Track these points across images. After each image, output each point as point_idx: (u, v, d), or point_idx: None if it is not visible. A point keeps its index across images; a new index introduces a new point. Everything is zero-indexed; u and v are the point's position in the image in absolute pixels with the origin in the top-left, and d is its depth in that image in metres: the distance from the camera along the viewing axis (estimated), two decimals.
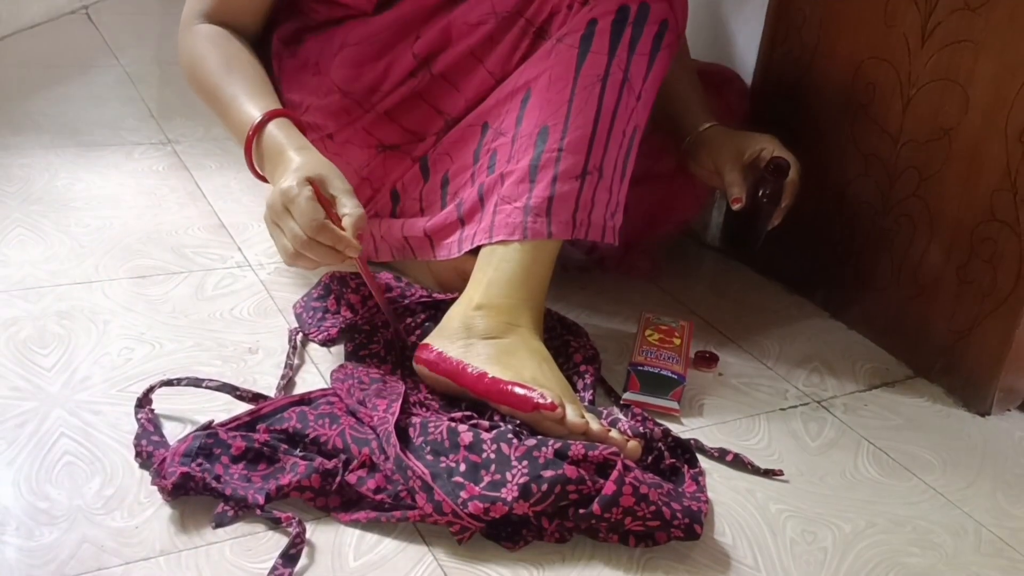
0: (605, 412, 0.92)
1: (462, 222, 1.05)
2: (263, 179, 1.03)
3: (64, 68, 1.91)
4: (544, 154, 0.98)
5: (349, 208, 0.92)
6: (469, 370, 0.92)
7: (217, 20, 1.11)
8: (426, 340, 0.97)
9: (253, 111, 1.02)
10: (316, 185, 0.92)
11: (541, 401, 0.86)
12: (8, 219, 1.26)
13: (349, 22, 1.12)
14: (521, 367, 0.92)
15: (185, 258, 1.21)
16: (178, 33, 1.12)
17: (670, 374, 1.00)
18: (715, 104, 1.21)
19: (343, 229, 0.91)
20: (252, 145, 1.01)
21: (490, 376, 0.90)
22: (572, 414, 0.87)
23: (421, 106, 1.11)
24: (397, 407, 0.86)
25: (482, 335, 0.95)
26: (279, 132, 1.00)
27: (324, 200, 0.92)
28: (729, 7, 1.35)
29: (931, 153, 1.08)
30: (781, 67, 1.25)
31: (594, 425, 0.86)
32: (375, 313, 1.07)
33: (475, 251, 1.03)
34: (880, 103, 1.13)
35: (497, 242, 0.99)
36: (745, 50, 1.31)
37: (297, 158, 0.96)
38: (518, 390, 0.88)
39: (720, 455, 0.93)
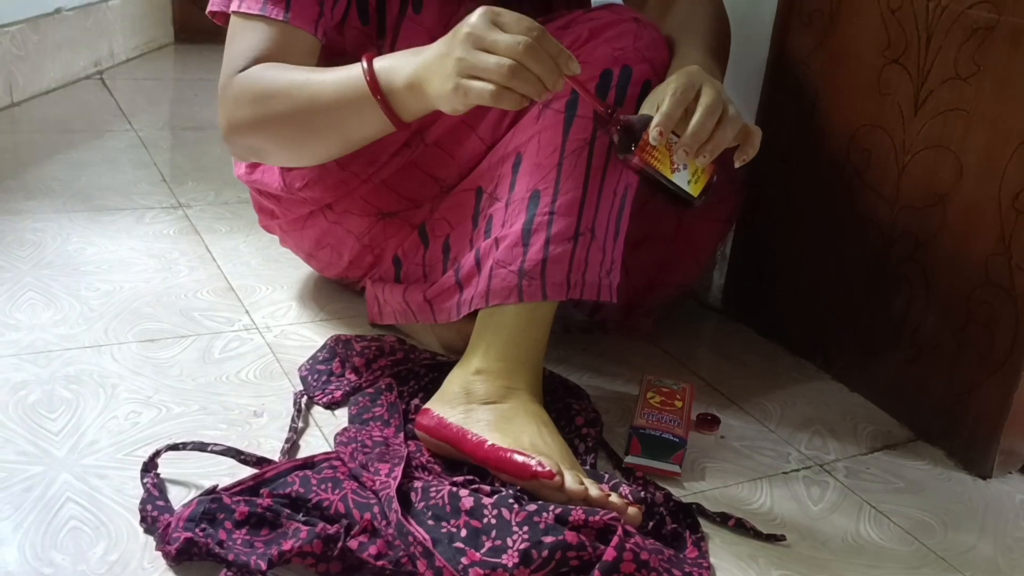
0: (607, 476, 0.93)
1: (460, 286, 1.07)
2: (403, 125, 0.98)
3: (78, 133, 1.96)
4: (536, 218, 1.00)
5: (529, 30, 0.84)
6: (469, 437, 0.93)
7: None
8: (426, 405, 0.98)
9: (351, 67, 0.96)
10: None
11: (539, 469, 0.87)
12: (20, 283, 1.28)
13: None
14: (520, 433, 0.93)
15: (193, 321, 1.23)
16: (219, 97, 1.06)
17: (672, 437, 1.01)
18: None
19: None
20: (378, 87, 0.95)
21: (489, 443, 0.91)
22: (571, 481, 0.87)
23: (416, 174, 1.13)
24: (399, 471, 0.87)
25: (481, 400, 0.96)
26: (391, 58, 0.95)
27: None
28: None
29: (926, 218, 1.09)
30: (777, 131, 1.28)
31: (593, 491, 0.87)
32: (379, 376, 1.08)
33: (474, 314, 1.05)
34: (875, 169, 1.15)
35: (493, 306, 1.00)
36: (742, 114, 1.33)
37: (444, 36, 0.89)
38: (517, 457, 0.89)
39: (722, 520, 0.93)
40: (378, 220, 1.18)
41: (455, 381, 0.99)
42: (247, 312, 1.27)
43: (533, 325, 1.01)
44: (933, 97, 1.07)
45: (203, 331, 1.21)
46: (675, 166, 0.90)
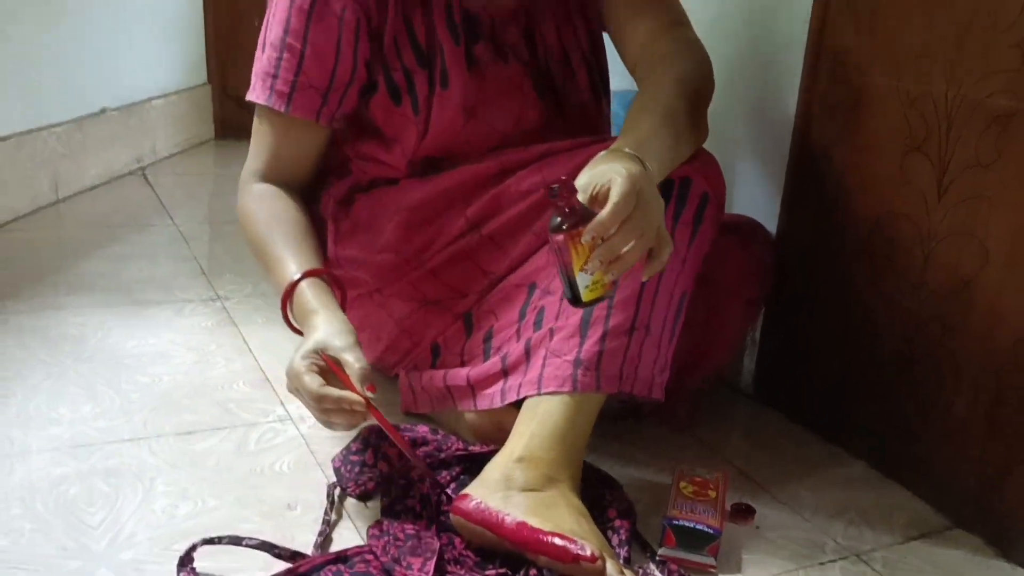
0: (641, 572, 0.92)
1: (505, 373, 1.09)
2: (299, 332, 1.08)
3: (120, 228, 2.02)
4: (595, 312, 1.03)
5: (350, 363, 0.98)
6: (507, 520, 0.93)
7: (270, 178, 1.20)
8: (465, 491, 0.99)
9: (291, 269, 1.09)
10: (323, 353, 0.99)
11: (581, 552, 0.87)
12: (63, 378, 1.32)
13: (403, 183, 1.19)
14: (560, 519, 0.94)
15: (230, 413, 1.25)
16: (237, 194, 1.21)
17: (706, 528, 1.00)
18: (742, 254, 1.25)
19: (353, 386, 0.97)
20: (287, 303, 1.09)
21: (529, 526, 0.92)
22: (612, 568, 0.88)
23: (467, 265, 1.17)
24: (431, 566, 0.87)
25: (521, 487, 0.97)
26: (309, 293, 1.07)
27: (332, 363, 0.99)
28: (749, 163, 1.41)
29: (953, 304, 1.10)
30: (804, 220, 1.30)
31: None
32: (411, 467, 1.09)
33: (515, 404, 1.06)
34: (901, 256, 1.16)
35: (544, 394, 1.02)
36: (767, 203, 1.36)
37: (317, 323, 1.03)
38: (557, 540, 0.89)
39: None
40: (420, 306, 1.21)
41: (496, 468, 1.00)
42: (282, 403, 1.29)
43: (580, 417, 1.02)
44: (956, 185, 1.08)
45: (239, 423, 1.23)
46: (585, 267, 0.91)
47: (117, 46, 2.38)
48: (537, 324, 1.08)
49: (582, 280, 0.91)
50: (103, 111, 2.32)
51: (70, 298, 1.60)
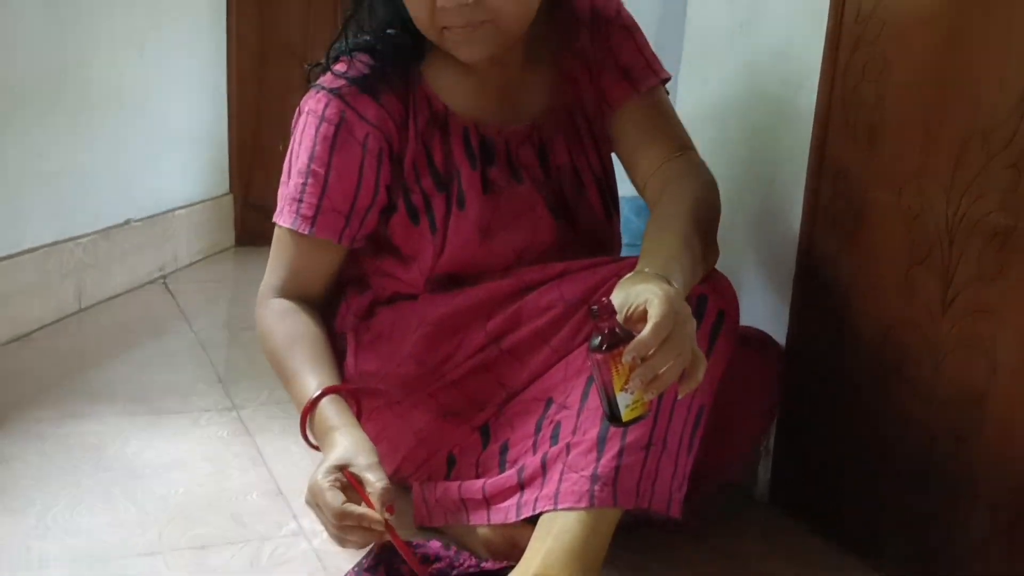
0: None
1: (522, 487, 1.09)
2: (317, 449, 1.10)
3: (141, 335, 2.05)
4: (611, 428, 1.04)
5: (372, 483, 1.01)
6: None
7: (289, 293, 1.24)
8: None
9: (311, 385, 1.12)
10: (345, 469, 1.02)
11: None
12: (79, 487, 1.33)
13: (424, 298, 1.23)
14: None
15: (243, 526, 1.25)
16: (256, 307, 1.25)
17: None
18: (753, 365, 1.26)
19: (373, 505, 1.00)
20: (307, 420, 1.12)
21: None
22: None
23: (486, 378, 1.19)
24: None
25: None
26: (329, 409, 1.10)
27: (353, 481, 1.01)
28: (755, 276, 1.43)
29: (966, 416, 1.10)
30: (812, 330, 1.31)
31: None
32: None
33: (529, 520, 1.07)
34: (911, 366, 1.17)
35: (561, 509, 1.03)
36: (776, 315, 1.38)
37: (337, 440, 1.06)
38: None
39: None
40: (439, 418, 1.22)
41: None
42: (295, 516, 1.29)
43: (596, 533, 1.02)
44: (961, 298, 1.10)
45: (252, 536, 1.23)
46: (627, 387, 0.93)
47: (145, 158, 2.46)
48: (554, 438, 1.09)
49: (623, 400, 0.93)
50: (128, 222, 2.38)
51: (91, 406, 1.63)
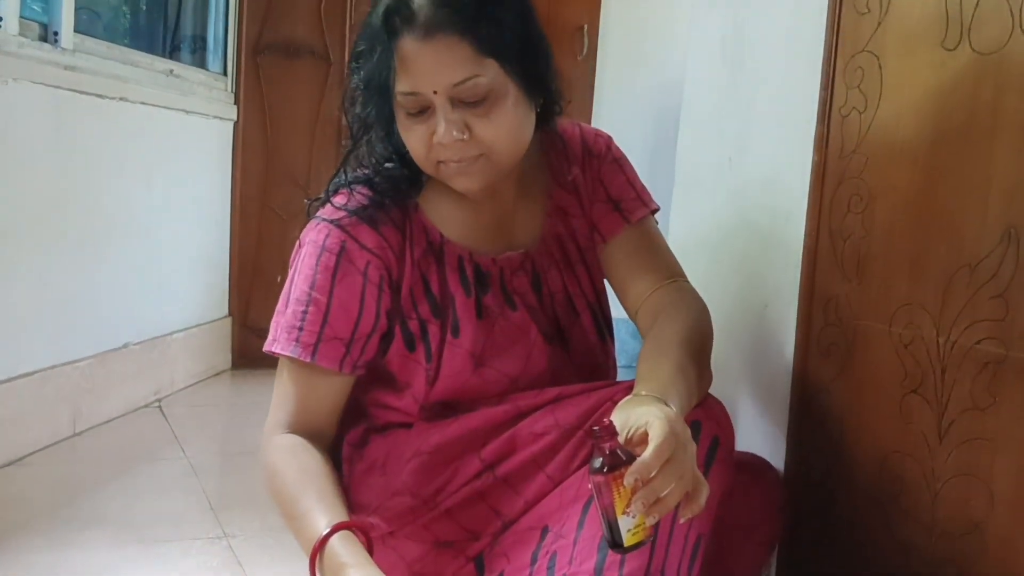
0: None
1: None
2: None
3: (133, 461, 2.04)
4: (608, 559, 1.02)
5: None
6: None
7: (296, 429, 1.20)
8: None
9: (320, 523, 1.08)
10: None
11: None
12: None
13: (418, 426, 1.22)
14: None
15: None
16: (260, 446, 1.21)
17: None
18: (752, 494, 1.25)
19: None
20: (316, 559, 1.06)
21: None
22: None
23: (480, 506, 1.17)
24: None
25: None
26: (341, 548, 1.05)
27: None
28: (750, 402, 1.44)
29: (966, 546, 1.09)
30: (810, 458, 1.31)
31: None
32: None
33: None
34: (909, 495, 1.16)
35: None
36: (772, 442, 1.37)
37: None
38: None
39: None
40: (433, 549, 1.20)
41: None
42: None
43: None
44: (955, 426, 1.10)
45: None
46: (628, 510, 0.92)
47: (147, 283, 2.49)
48: (550, 570, 1.07)
49: (624, 523, 0.92)
50: (126, 346, 2.39)
51: (81, 535, 1.60)
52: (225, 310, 2.97)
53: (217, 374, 2.89)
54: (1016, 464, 1.03)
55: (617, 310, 1.38)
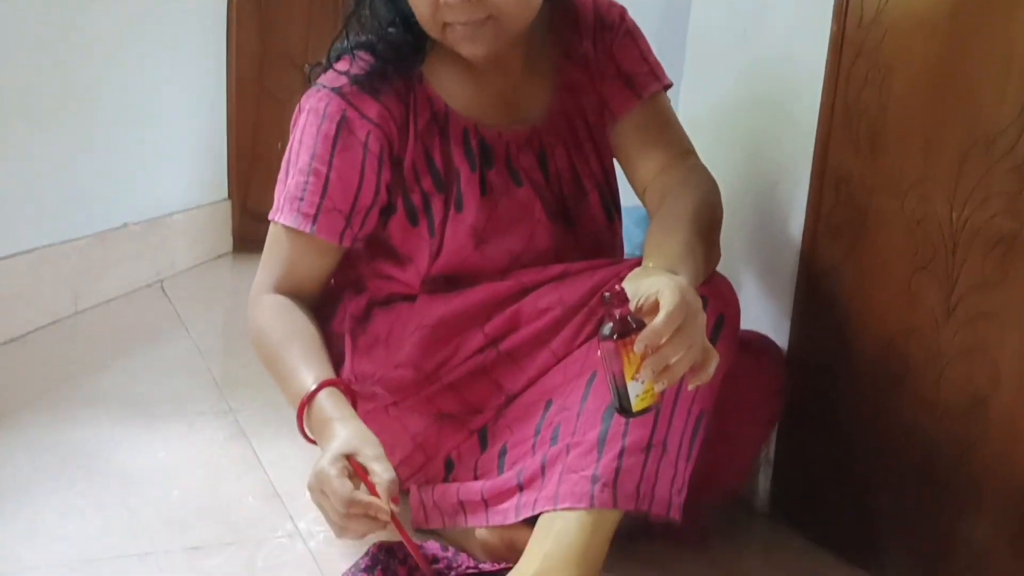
0: None
1: (521, 488, 1.08)
2: (314, 443, 1.10)
3: (136, 341, 2.04)
4: (611, 428, 1.03)
5: (379, 474, 1.00)
6: None
7: (283, 291, 1.22)
8: None
9: (307, 380, 1.11)
10: (351, 458, 1.01)
11: None
12: (71, 491, 1.31)
13: (422, 299, 1.21)
14: None
15: (238, 529, 1.24)
16: (248, 305, 1.23)
17: None
18: (754, 373, 1.25)
19: (379, 494, 0.99)
20: (304, 413, 1.10)
21: None
22: None
23: (483, 381, 1.18)
24: None
25: None
26: (327, 402, 1.09)
27: (359, 470, 1.00)
28: (757, 282, 1.43)
29: (970, 423, 1.09)
30: (814, 338, 1.30)
31: None
32: None
33: (527, 521, 1.05)
34: (914, 374, 1.16)
35: (561, 509, 1.02)
36: (777, 321, 1.37)
37: (339, 431, 1.05)
38: None
39: None
40: (436, 421, 1.21)
41: None
42: (291, 518, 1.28)
43: (596, 535, 1.01)
44: (964, 303, 1.09)
45: (247, 539, 1.22)
46: (637, 376, 0.92)
47: (142, 163, 2.45)
48: (553, 440, 1.08)
49: (633, 389, 0.93)
50: (125, 226, 2.37)
51: (84, 411, 1.61)
52: (224, 193, 2.93)
53: (218, 257, 2.88)
54: (1023, 340, 1.03)
55: (623, 198, 1.35)
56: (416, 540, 1.14)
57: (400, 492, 1.29)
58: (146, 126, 2.46)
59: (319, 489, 1.01)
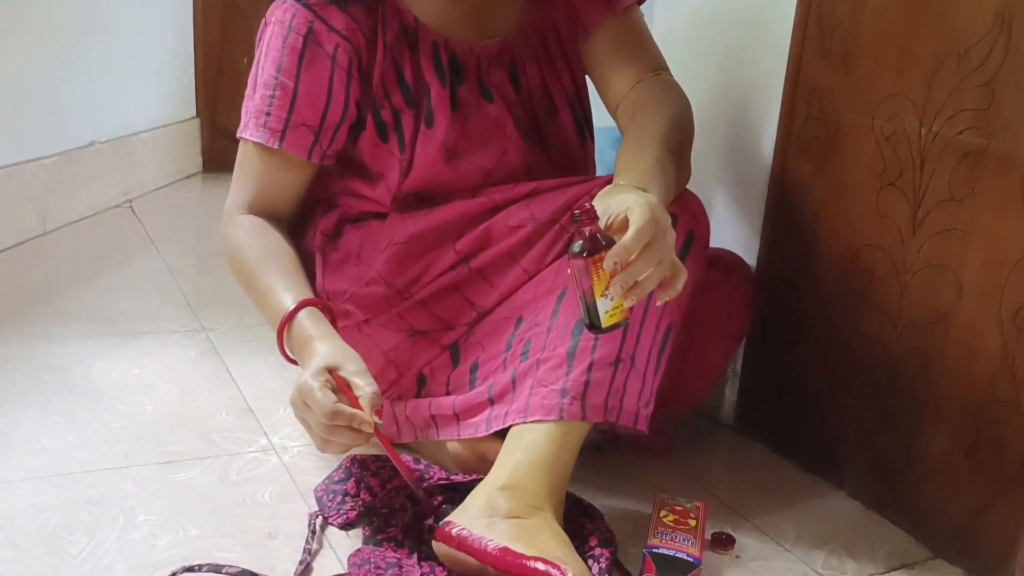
0: None
1: (492, 402, 1.10)
2: (295, 363, 1.09)
3: (106, 260, 2.02)
4: (581, 343, 1.05)
5: (362, 387, 1.00)
6: (490, 545, 0.94)
7: (256, 210, 1.21)
8: (448, 518, 1.00)
9: (286, 300, 1.10)
10: (333, 372, 1.00)
11: None
12: (46, 407, 1.32)
13: (393, 217, 1.21)
14: (543, 546, 0.95)
15: (212, 443, 1.25)
16: (221, 224, 1.21)
17: (686, 557, 1.00)
18: (723, 288, 1.27)
19: (361, 409, 0.98)
20: (284, 333, 1.09)
21: (512, 551, 0.92)
22: None
23: (455, 297, 1.18)
24: None
25: (505, 514, 0.98)
26: (307, 321, 1.08)
27: (342, 384, 1.00)
28: (727, 198, 1.43)
29: (931, 336, 1.11)
30: (782, 254, 1.32)
31: None
32: (394, 496, 1.09)
33: (498, 434, 1.07)
34: (878, 288, 1.17)
35: (530, 422, 1.03)
36: (746, 238, 1.38)
37: (320, 348, 1.04)
38: (540, 565, 0.90)
39: None
40: (408, 338, 1.22)
41: (480, 495, 1.01)
42: (265, 433, 1.29)
43: (564, 448, 1.03)
44: (930, 218, 1.10)
45: (221, 453, 1.23)
46: (607, 292, 0.93)
47: (108, 80, 2.40)
48: (524, 355, 1.10)
49: (602, 306, 0.93)
50: (92, 144, 2.33)
51: (55, 329, 1.61)
52: (192, 111, 2.89)
53: (188, 177, 2.85)
54: (987, 254, 1.04)
55: (597, 119, 1.34)
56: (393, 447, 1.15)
57: None
58: (111, 41, 2.41)
59: (302, 402, 1.00)
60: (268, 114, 1.16)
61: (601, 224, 0.94)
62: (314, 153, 1.18)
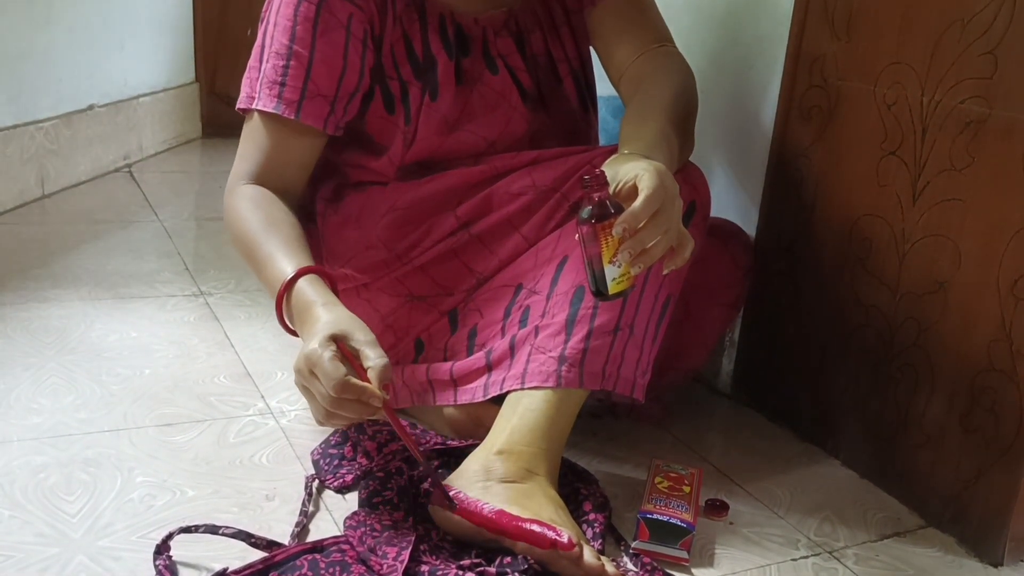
0: (615, 565, 0.93)
1: (489, 368, 1.10)
2: (293, 333, 1.05)
3: (106, 223, 2.02)
4: (580, 311, 1.05)
5: (372, 359, 0.93)
6: (486, 509, 0.95)
7: (262, 182, 1.16)
8: (444, 482, 1.00)
9: (286, 267, 1.05)
10: (340, 342, 0.94)
11: (559, 539, 0.89)
12: (44, 369, 1.32)
13: (393, 184, 1.20)
14: (538, 509, 0.96)
15: (210, 406, 1.26)
16: (224, 194, 1.17)
17: (679, 523, 1.01)
18: (721, 257, 1.27)
19: (369, 381, 0.93)
20: (283, 301, 1.04)
21: (507, 513, 0.93)
22: (589, 555, 0.90)
23: (455, 263, 1.18)
24: (406, 555, 0.88)
25: (500, 478, 0.99)
26: (308, 288, 1.03)
27: (349, 354, 0.94)
28: (727, 166, 1.42)
29: (928, 305, 1.11)
30: (781, 223, 1.31)
31: (610, 568, 0.89)
32: (390, 460, 1.10)
33: (495, 400, 1.08)
34: (877, 257, 1.17)
35: (528, 388, 1.04)
36: (745, 206, 1.37)
37: (323, 315, 0.98)
38: (535, 527, 0.91)
39: None
40: (407, 302, 1.21)
41: (476, 459, 1.02)
42: (263, 397, 1.30)
43: (561, 414, 1.04)
44: (930, 187, 1.10)
45: (219, 416, 1.23)
46: (615, 259, 0.93)
47: (107, 43, 2.38)
48: (523, 322, 1.10)
49: (610, 272, 0.94)
50: (91, 108, 2.32)
51: (54, 291, 1.61)
52: (191, 75, 2.87)
53: (187, 142, 2.83)
54: (986, 223, 1.04)
55: (600, 88, 1.33)
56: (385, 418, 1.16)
57: None
58: (110, 4, 2.38)
59: (308, 371, 0.93)
60: (283, 84, 1.12)
61: (610, 191, 0.93)
62: (329, 123, 1.15)
